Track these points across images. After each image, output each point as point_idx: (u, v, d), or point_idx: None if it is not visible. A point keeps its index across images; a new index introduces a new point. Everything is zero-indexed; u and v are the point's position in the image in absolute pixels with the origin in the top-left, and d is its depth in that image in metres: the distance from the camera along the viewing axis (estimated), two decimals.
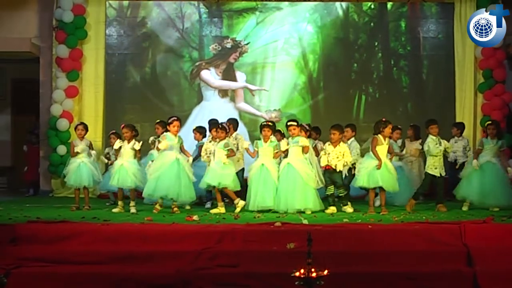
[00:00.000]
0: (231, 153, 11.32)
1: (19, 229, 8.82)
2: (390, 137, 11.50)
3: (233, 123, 12.44)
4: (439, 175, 11.42)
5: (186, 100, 15.89)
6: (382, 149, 11.12)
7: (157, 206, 11.11)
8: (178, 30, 15.85)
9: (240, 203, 11.14)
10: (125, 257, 8.30)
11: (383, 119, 11.42)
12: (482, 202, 11.32)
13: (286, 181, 11.07)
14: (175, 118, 11.46)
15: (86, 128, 12.15)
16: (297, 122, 11.50)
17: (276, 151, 11.36)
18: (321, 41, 15.93)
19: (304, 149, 11.19)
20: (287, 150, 11.27)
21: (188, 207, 11.60)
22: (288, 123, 11.48)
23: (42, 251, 8.43)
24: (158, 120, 12.61)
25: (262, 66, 15.87)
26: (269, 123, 11.63)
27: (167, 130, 11.42)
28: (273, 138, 11.53)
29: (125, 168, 11.24)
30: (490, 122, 12.16)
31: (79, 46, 15.28)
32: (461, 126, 13.35)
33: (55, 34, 15.28)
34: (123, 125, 11.65)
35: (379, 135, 11.14)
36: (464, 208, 11.38)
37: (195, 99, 15.81)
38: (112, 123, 14.80)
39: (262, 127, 11.57)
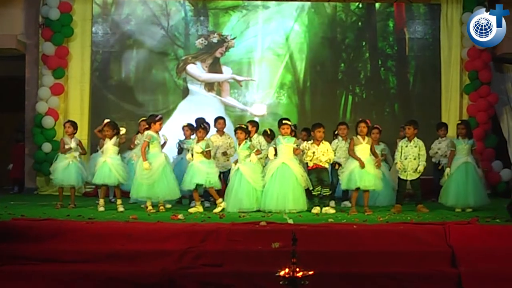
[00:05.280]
0: (207, 154, 11.34)
1: (3, 227, 8.76)
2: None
3: (223, 120, 12.57)
4: (405, 178, 11.44)
5: (171, 98, 15.86)
6: (361, 148, 11.17)
7: (150, 207, 11.12)
8: (163, 28, 15.82)
9: (223, 204, 11.17)
10: (110, 256, 8.26)
11: (360, 119, 11.52)
12: (463, 203, 11.34)
13: (282, 181, 11.06)
14: (161, 116, 11.54)
15: (73, 125, 12.11)
16: (290, 122, 11.53)
17: (254, 151, 11.40)
18: (308, 41, 15.95)
19: (296, 151, 11.23)
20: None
21: (169, 206, 11.58)
22: (284, 121, 11.47)
23: (27, 249, 8.37)
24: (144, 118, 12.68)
25: (248, 65, 15.86)
26: (242, 126, 11.67)
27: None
28: (259, 139, 11.61)
29: (108, 165, 11.26)
30: (459, 122, 12.23)
31: (65, 44, 15.28)
32: (446, 127, 13.33)
33: (41, 31, 15.26)
34: (105, 123, 11.63)
35: (357, 135, 11.19)
36: (458, 210, 11.37)
37: (180, 97, 15.79)
38: (97, 120, 14.73)
39: (235, 130, 11.66)
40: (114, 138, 11.42)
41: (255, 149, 11.43)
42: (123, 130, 11.67)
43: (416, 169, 11.36)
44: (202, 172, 11.19)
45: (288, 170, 11.09)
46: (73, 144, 11.81)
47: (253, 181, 11.20)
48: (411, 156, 11.37)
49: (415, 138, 11.47)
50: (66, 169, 11.76)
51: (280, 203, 10.94)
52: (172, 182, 11.18)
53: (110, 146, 11.37)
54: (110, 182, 11.31)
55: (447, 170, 11.40)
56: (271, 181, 11.11)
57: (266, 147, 11.99)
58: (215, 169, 11.43)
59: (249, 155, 11.35)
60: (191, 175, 11.22)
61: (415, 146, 11.39)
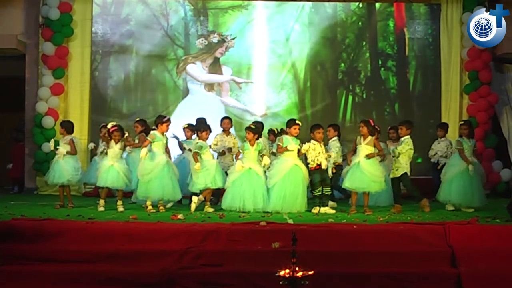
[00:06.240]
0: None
1: (3, 227, 8.76)
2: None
3: (229, 120, 12.57)
4: (391, 176, 11.45)
5: (171, 98, 15.84)
6: (360, 148, 11.18)
7: (150, 207, 11.12)
8: (163, 28, 15.80)
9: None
10: (110, 256, 8.28)
11: (364, 119, 11.57)
12: (463, 203, 11.36)
13: (294, 183, 11.08)
14: (169, 118, 11.51)
15: (64, 126, 12.08)
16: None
17: (261, 154, 11.40)
18: (309, 41, 15.92)
19: (299, 153, 11.25)
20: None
21: (169, 206, 11.57)
22: (297, 121, 11.49)
23: (27, 249, 8.37)
24: (137, 119, 12.68)
25: (248, 65, 15.85)
26: (251, 126, 11.62)
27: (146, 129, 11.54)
28: (260, 140, 11.63)
29: (115, 169, 11.26)
30: (462, 122, 12.28)
31: (65, 44, 15.26)
32: (445, 127, 13.31)
33: (41, 31, 15.24)
34: (114, 128, 11.57)
35: (360, 136, 11.22)
36: (449, 208, 11.39)
37: (180, 97, 15.77)
38: (97, 120, 14.77)
39: (245, 130, 11.65)
40: (120, 142, 11.42)
41: (262, 153, 11.43)
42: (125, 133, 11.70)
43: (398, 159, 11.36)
44: (211, 175, 11.27)
45: (300, 173, 11.13)
46: (61, 145, 11.82)
47: (265, 182, 11.22)
48: (396, 155, 11.35)
49: (405, 137, 11.43)
50: (52, 167, 11.83)
51: (288, 204, 10.96)
52: (170, 183, 11.16)
53: (117, 150, 11.37)
54: (118, 185, 11.30)
55: (471, 167, 11.32)
56: (282, 182, 11.07)
57: (267, 148, 12.03)
58: (220, 170, 11.47)
59: (261, 157, 11.38)
60: (205, 177, 11.25)
61: (405, 145, 11.33)
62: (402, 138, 11.41)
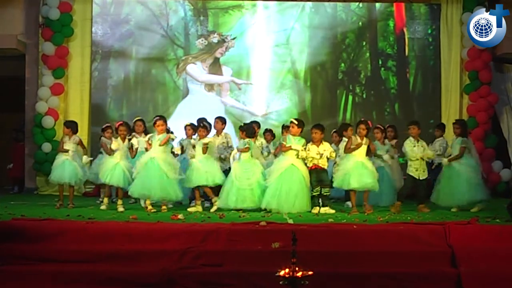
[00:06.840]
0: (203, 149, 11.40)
1: (3, 227, 8.75)
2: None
3: (220, 121, 12.47)
4: (418, 177, 11.41)
5: (171, 98, 15.86)
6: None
7: (150, 206, 11.08)
8: (162, 28, 15.81)
9: (217, 202, 11.20)
10: (110, 256, 8.24)
11: (362, 119, 11.59)
12: (457, 202, 11.37)
13: (290, 182, 11.04)
14: (158, 117, 11.38)
15: (69, 126, 12.02)
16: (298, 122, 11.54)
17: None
18: (309, 41, 15.93)
19: (300, 153, 11.24)
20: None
21: (170, 206, 11.56)
22: (292, 120, 11.52)
23: (27, 249, 8.34)
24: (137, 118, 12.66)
25: (248, 65, 15.86)
26: (241, 125, 11.84)
27: (133, 131, 11.61)
28: (262, 140, 11.70)
29: (121, 167, 11.26)
30: (454, 121, 12.26)
31: (65, 44, 15.30)
32: (442, 127, 13.32)
33: (41, 31, 15.26)
34: (120, 123, 11.57)
35: (356, 136, 11.20)
36: (454, 209, 11.38)
37: (180, 97, 15.79)
38: (97, 120, 14.78)
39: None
40: (127, 140, 11.38)
41: (243, 147, 11.41)
42: None
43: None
44: (201, 172, 11.21)
45: (296, 172, 11.09)
46: (69, 145, 11.76)
47: (236, 179, 11.18)
48: (420, 155, 11.36)
49: (419, 138, 11.51)
50: (61, 167, 11.75)
51: (284, 204, 10.91)
52: (166, 183, 11.09)
53: (125, 148, 11.36)
54: (121, 184, 11.29)
55: (444, 160, 11.53)
56: (278, 181, 11.04)
57: (265, 146, 12.07)
58: (215, 166, 11.41)
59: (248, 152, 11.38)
60: (191, 175, 11.24)
61: (421, 146, 11.40)
62: (420, 140, 11.48)
